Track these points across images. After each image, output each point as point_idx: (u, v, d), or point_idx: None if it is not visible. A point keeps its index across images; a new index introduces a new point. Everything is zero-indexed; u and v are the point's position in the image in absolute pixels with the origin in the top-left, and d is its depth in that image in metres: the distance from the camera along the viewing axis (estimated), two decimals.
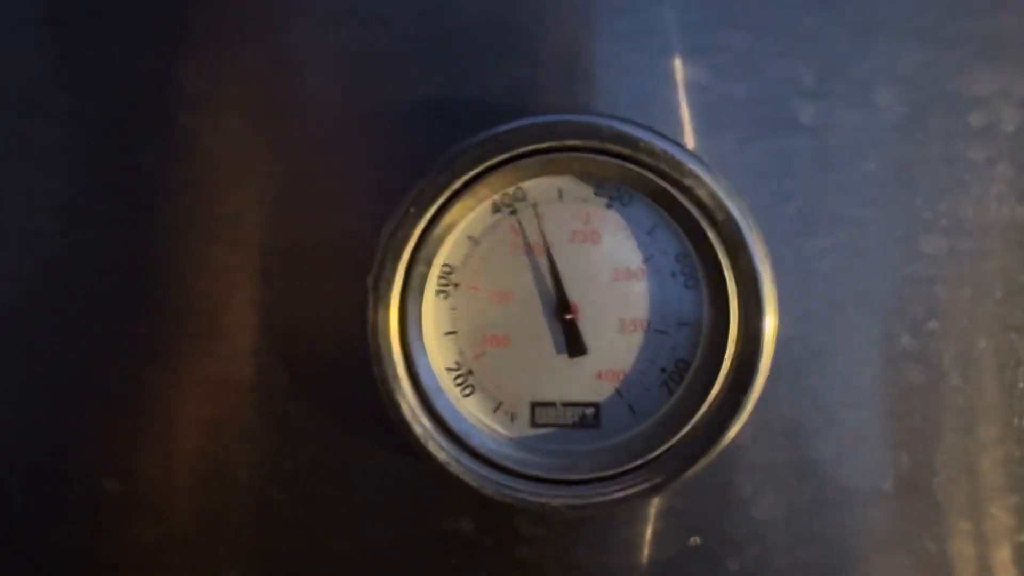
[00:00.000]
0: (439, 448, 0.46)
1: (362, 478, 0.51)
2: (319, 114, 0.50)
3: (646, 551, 0.50)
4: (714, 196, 0.45)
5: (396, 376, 0.45)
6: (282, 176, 0.50)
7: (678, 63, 0.49)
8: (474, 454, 0.46)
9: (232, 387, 0.51)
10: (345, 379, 0.50)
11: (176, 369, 0.51)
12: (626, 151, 0.44)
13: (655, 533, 0.50)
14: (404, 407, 0.46)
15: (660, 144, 0.44)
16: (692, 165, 0.45)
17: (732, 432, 0.46)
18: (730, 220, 0.45)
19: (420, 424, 0.46)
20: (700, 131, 0.49)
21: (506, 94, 0.49)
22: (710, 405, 0.46)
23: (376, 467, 0.50)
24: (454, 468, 0.46)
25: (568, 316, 0.47)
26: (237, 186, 0.50)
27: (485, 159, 0.44)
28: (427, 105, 0.49)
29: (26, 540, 0.52)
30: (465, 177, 0.45)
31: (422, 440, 0.46)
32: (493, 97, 0.49)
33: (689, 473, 0.46)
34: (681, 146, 0.45)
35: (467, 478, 0.46)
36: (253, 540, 0.51)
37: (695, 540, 0.50)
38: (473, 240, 0.47)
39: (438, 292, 0.47)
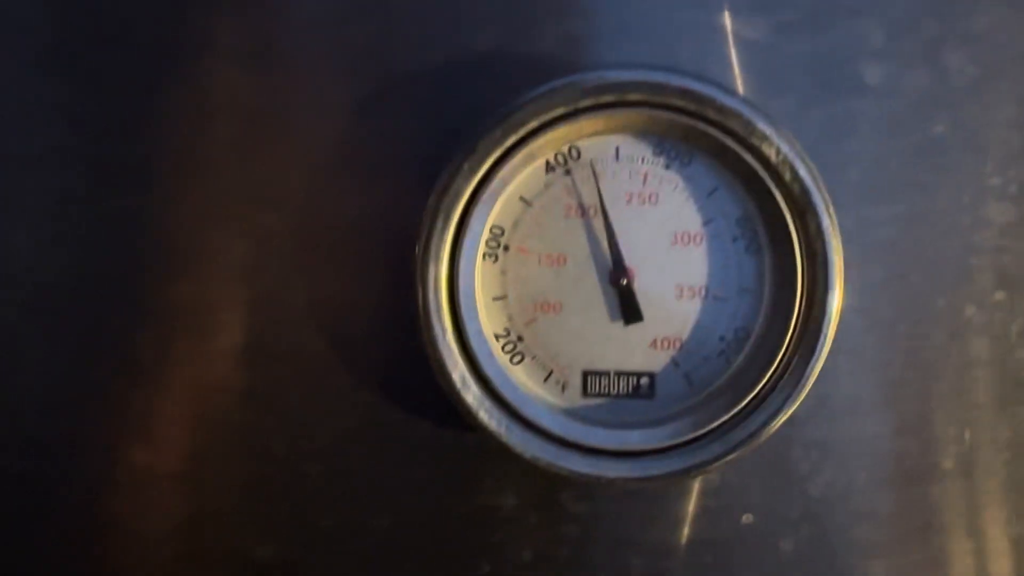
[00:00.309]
0: (490, 417, 0.44)
1: (400, 451, 0.49)
2: (363, 72, 0.47)
3: (696, 528, 0.49)
4: (782, 155, 0.43)
5: (446, 341, 0.43)
6: (324, 138, 0.48)
7: (738, 20, 0.47)
8: (526, 424, 0.44)
9: (268, 357, 0.48)
10: (383, 350, 0.48)
11: (211, 337, 0.49)
12: (692, 107, 0.42)
13: (706, 510, 0.49)
14: (455, 374, 0.43)
15: (728, 100, 0.42)
16: (761, 122, 0.42)
17: (794, 406, 0.44)
18: (798, 180, 0.43)
19: (471, 392, 0.44)
20: (760, 92, 0.47)
21: (558, 51, 0.47)
22: (771, 376, 0.44)
23: (415, 440, 0.48)
24: (506, 439, 0.44)
25: (624, 281, 0.45)
26: (278, 148, 0.48)
27: (544, 113, 0.42)
28: (475, 64, 0.47)
29: (55, 513, 0.50)
30: (522, 132, 0.42)
31: (473, 409, 0.44)
32: (544, 55, 0.47)
33: (747, 448, 0.44)
34: (749, 103, 0.43)
35: (519, 449, 0.44)
36: (288, 515, 0.49)
37: (748, 518, 0.49)
38: (525, 202, 0.45)
39: (486, 255, 0.45)
